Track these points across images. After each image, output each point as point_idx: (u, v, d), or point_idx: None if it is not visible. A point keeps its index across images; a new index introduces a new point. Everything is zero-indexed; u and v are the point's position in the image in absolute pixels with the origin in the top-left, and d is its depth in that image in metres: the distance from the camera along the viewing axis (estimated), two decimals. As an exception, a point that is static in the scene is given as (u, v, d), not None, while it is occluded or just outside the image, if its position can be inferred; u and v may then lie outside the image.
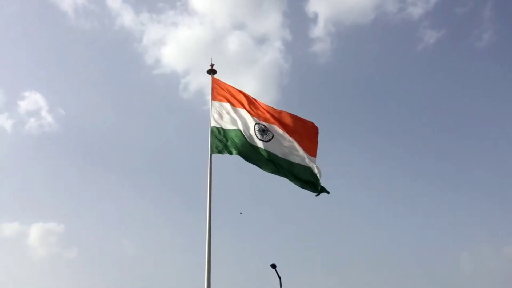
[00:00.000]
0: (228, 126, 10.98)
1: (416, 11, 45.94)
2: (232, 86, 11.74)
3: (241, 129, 10.84)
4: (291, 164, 10.65)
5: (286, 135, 10.92)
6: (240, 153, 10.58)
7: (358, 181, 43.29)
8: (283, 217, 39.50)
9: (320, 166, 10.73)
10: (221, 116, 11.14)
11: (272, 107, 11.35)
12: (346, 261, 35.65)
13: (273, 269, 18.76)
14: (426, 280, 33.66)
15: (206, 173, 10.41)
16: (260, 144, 10.65)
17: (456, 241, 37.17)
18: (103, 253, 36.37)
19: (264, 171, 10.58)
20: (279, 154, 10.66)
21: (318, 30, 45.61)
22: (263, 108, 11.30)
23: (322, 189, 10.42)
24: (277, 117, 11.15)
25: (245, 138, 10.69)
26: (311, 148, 11.01)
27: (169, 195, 42.02)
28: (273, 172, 10.62)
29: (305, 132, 11.16)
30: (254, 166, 10.64)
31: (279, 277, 18.63)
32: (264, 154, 10.56)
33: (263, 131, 10.84)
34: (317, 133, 11.20)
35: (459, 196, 41.36)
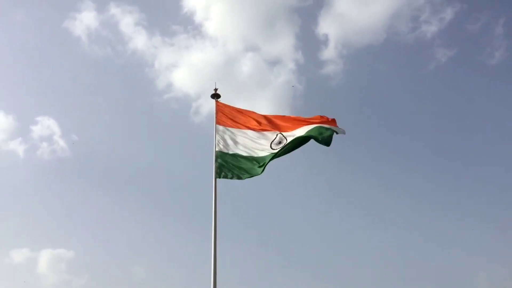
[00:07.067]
0: (231, 150, 10.98)
1: (429, 29, 46.00)
2: (237, 108, 11.74)
3: (244, 152, 10.85)
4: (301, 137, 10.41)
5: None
6: (245, 176, 10.49)
7: (371, 211, 42.44)
8: (292, 241, 38.80)
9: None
10: (225, 140, 11.13)
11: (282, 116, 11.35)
12: (361, 275, 34.82)
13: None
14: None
15: (212, 197, 10.42)
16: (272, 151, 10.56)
17: (473, 260, 36.07)
18: (114, 280, 35.99)
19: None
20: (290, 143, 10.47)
21: (329, 52, 46.00)
22: (276, 119, 11.28)
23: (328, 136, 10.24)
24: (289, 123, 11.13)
25: (248, 158, 10.65)
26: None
27: (181, 220, 41.66)
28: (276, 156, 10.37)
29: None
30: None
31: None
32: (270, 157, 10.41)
33: (279, 143, 10.69)
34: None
35: (479, 215, 40.36)
